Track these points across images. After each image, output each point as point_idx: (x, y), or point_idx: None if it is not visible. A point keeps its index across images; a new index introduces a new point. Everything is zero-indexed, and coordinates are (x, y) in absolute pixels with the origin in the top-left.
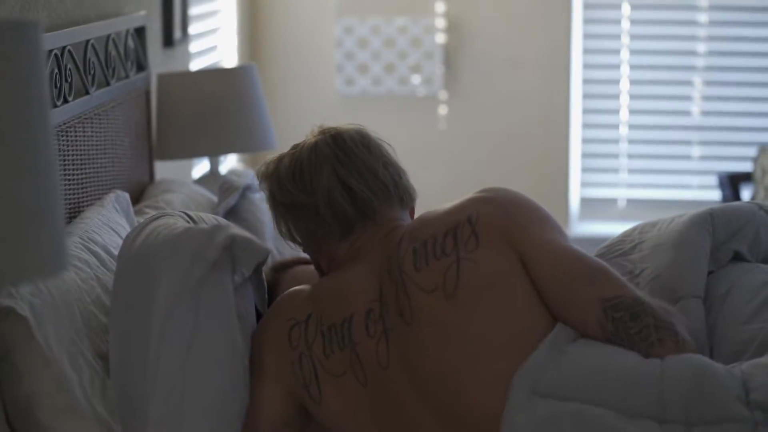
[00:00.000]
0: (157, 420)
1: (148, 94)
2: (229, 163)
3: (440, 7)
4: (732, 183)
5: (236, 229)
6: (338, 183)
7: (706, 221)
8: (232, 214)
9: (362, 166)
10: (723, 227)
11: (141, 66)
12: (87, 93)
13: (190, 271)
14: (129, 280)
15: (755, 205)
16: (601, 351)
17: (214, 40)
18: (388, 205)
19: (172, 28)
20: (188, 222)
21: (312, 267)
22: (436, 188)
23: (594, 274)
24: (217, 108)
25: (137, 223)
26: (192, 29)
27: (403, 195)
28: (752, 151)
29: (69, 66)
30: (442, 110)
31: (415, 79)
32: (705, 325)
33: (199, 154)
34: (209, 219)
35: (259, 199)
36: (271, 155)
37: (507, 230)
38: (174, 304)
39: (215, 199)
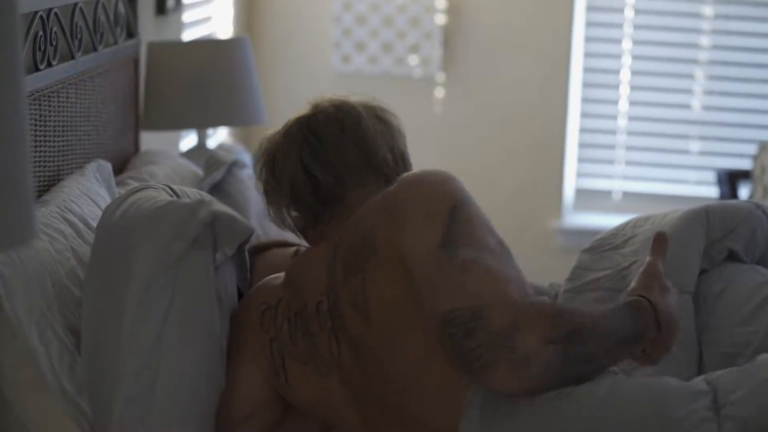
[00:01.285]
0: (127, 398)
1: (137, 62)
2: (218, 137)
3: None
4: (730, 180)
5: (219, 206)
6: (302, 171)
7: (701, 217)
8: (217, 189)
9: (331, 150)
10: (718, 224)
11: (131, 33)
12: (72, 58)
13: (170, 246)
14: (106, 253)
15: (753, 204)
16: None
17: (209, 11)
18: (360, 186)
19: None
20: (171, 196)
21: (289, 250)
22: None
23: (442, 283)
24: (208, 80)
25: (118, 194)
26: None
27: (380, 170)
28: (752, 149)
29: (55, 29)
30: (439, 93)
31: (413, 59)
32: (694, 322)
33: (186, 126)
34: (193, 193)
35: (246, 176)
36: (266, 131)
37: (398, 241)
38: (151, 281)
39: (201, 173)
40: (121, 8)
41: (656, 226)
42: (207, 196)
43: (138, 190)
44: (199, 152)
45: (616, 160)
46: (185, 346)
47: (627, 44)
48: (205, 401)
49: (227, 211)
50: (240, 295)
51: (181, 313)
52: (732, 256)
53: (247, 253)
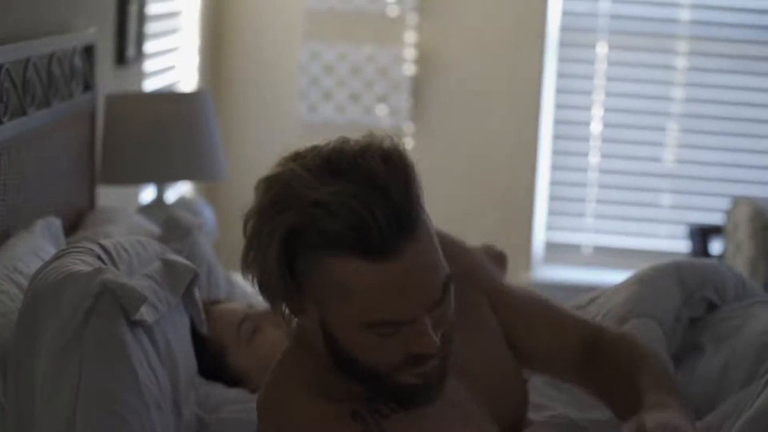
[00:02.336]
0: None
1: (93, 115)
2: (179, 191)
3: (411, 37)
4: (702, 235)
5: (112, 274)
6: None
7: (671, 268)
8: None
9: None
10: (691, 276)
11: (88, 85)
12: (24, 114)
13: (68, 322)
14: (22, 325)
15: (716, 261)
16: None
17: (172, 60)
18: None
19: (126, 45)
20: (100, 257)
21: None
22: None
23: None
24: (167, 133)
25: None
26: (149, 47)
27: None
28: (724, 203)
29: (6, 85)
30: (408, 143)
31: (381, 109)
32: (665, 348)
33: (145, 180)
34: (132, 247)
35: (203, 243)
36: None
37: None
38: (57, 357)
39: (157, 230)
40: (78, 61)
41: (622, 284)
42: (126, 256)
43: (59, 257)
44: (157, 207)
45: (586, 214)
46: (98, 424)
47: (599, 96)
48: None
49: (118, 280)
50: (195, 335)
51: (90, 389)
52: (711, 307)
53: (197, 294)
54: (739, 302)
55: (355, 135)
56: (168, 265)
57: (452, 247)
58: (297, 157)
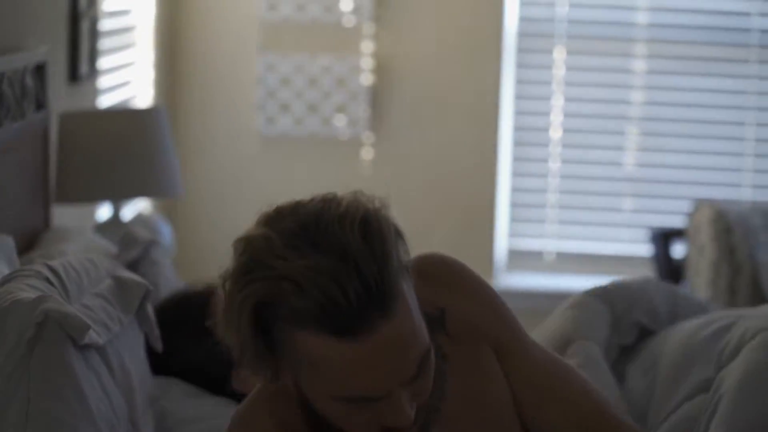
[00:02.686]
0: None
1: (47, 134)
2: (135, 209)
3: (368, 47)
4: (664, 238)
5: (54, 302)
6: None
7: (601, 292)
8: (131, 268)
9: None
10: (619, 298)
11: (40, 104)
12: None
13: (15, 350)
14: None
15: (647, 278)
16: None
17: (127, 75)
18: None
19: (78, 61)
20: (48, 279)
21: None
22: None
23: None
24: (122, 151)
25: None
26: (103, 63)
27: None
28: (686, 206)
29: None
30: (367, 154)
31: (340, 120)
32: (609, 366)
33: (100, 198)
34: (81, 266)
35: (160, 261)
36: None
37: None
38: (3, 387)
39: (114, 249)
40: (29, 80)
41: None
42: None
43: (7, 281)
44: (114, 226)
45: (548, 220)
46: None
47: (558, 101)
48: None
49: (59, 309)
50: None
51: (41, 415)
52: (643, 333)
53: (149, 310)
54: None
55: (314, 146)
56: (119, 282)
57: (466, 289)
58: (277, 216)
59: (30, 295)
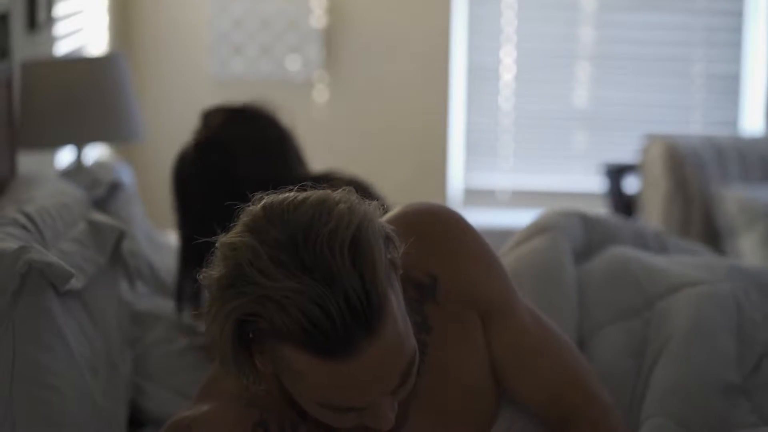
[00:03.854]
0: None
1: (10, 82)
2: (96, 155)
3: None
4: (616, 173)
5: (37, 252)
6: None
7: (575, 216)
8: (100, 209)
9: None
10: (594, 229)
11: (4, 53)
12: None
13: (0, 299)
14: None
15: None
16: None
17: (81, 21)
18: None
19: (36, 9)
20: (24, 226)
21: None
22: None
23: None
24: (83, 97)
25: None
26: (57, 10)
27: None
28: (638, 142)
29: None
30: (320, 95)
31: (293, 62)
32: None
33: (63, 143)
34: (56, 211)
35: (128, 196)
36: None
37: None
38: None
39: (80, 194)
40: None
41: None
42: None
43: None
44: (77, 171)
45: (502, 157)
46: (37, 392)
47: (510, 38)
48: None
49: (43, 259)
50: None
51: (25, 360)
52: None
53: (124, 251)
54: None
55: (267, 88)
56: (93, 226)
57: (461, 250)
58: (265, 221)
59: (11, 245)
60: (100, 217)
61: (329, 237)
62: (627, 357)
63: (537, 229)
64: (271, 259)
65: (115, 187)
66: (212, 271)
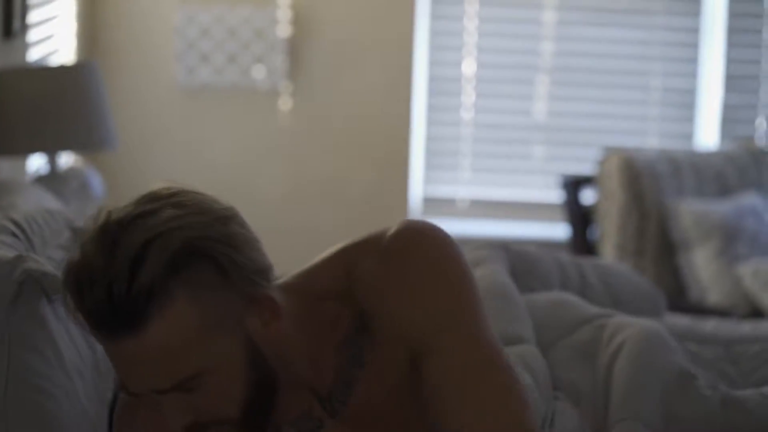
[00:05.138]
0: None
1: None
2: (67, 161)
3: None
4: (574, 185)
5: (33, 261)
6: None
7: (499, 248)
8: None
9: None
10: (519, 259)
11: None
12: None
13: None
14: None
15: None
16: None
17: (51, 29)
18: None
19: (12, 17)
20: (13, 233)
21: None
22: (279, 183)
23: None
24: (57, 105)
25: None
26: (30, 17)
27: None
28: (596, 154)
29: None
30: (285, 104)
31: (258, 71)
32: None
33: (37, 150)
34: (42, 218)
35: None
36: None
37: None
38: None
39: (58, 204)
40: None
41: None
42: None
43: None
44: (51, 178)
45: (461, 168)
46: (31, 401)
47: (470, 52)
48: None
49: (39, 269)
50: None
51: (21, 369)
52: None
53: None
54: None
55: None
56: (78, 233)
57: (407, 287)
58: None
59: (6, 253)
60: (81, 224)
61: (129, 235)
62: (579, 361)
63: (472, 265)
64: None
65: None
66: None
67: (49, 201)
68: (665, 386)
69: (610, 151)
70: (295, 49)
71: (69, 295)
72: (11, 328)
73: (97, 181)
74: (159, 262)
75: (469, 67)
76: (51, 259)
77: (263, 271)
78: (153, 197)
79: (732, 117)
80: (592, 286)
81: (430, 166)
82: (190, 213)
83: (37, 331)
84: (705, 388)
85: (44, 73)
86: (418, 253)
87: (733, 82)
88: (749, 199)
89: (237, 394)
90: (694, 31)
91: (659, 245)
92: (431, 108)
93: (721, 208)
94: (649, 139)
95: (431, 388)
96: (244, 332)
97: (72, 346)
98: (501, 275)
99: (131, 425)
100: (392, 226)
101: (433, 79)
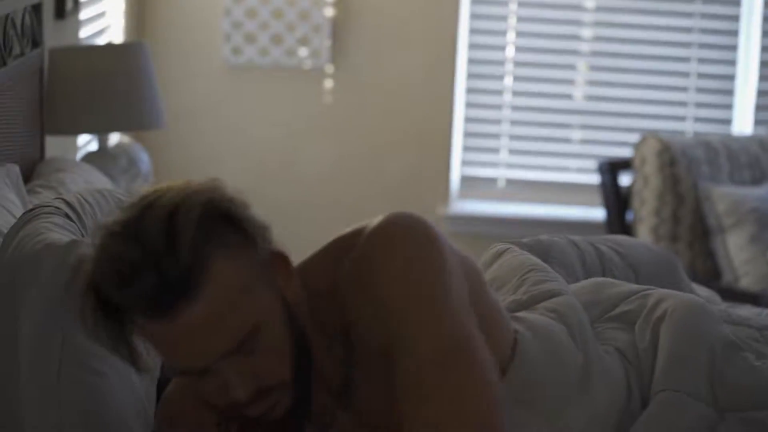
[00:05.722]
0: (34, 428)
1: (42, 70)
2: (115, 138)
3: None
4: (611, 169)
5: (86, 246)
6: None
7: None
8: None
9: None
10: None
11: (36, 42)
12: None
13: (51, 288)
14: None
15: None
16: None
17: (101, 7)
18: None
19: None
20: (67, 215)
21: None
22: (321, 161)
23: None
24: (107, 84)
25: (29, 202)
26: None
27: None
28: (633, 138)
29: None
30: (328, 84)
31: (303, 51)
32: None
33: (88, 130)
34: (94, 199)
35: None
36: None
37: None
38: (39, 321)
39: (107, 181)
40: (27, 19)
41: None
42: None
43: (28, 221)
44: (101, 155)
45: (500, 149)
46: (84, 377)
47: (511, 36)
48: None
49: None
50: None
51: (74, 347)
52: None
53: None
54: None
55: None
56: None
57: (377, 290)
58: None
59: (61, 237)
60: None
61: (153, 215)
62: (625, 331)
63: (495, 255)
64: (111, 232)
65: None
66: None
67: (98, 178)
68: (711, 355)
69: (646, 136)
70: (338, 30)
71: (112, 292)
72: (65, 311)
73: (145, 158)
74: (190, 227)
75: (509, 50)
76: None
77: (268, 229)
78: (141, 196)
79: None
80: (611, 259)
81: (468, 148)
82: (188, 188)
83: None
84: (754, 359)
85: (95, 52)
86: (385, 259)
87: None
88: None
89: (288, 350)
90: (733, 18)
91: (694, 229)
92: (470, 91)
93: (756, 193)
94: (687, 124)
95: (399, 389)
96: (275, 288)
97: None
98: (530, 257)
99: (173, 420)
100: (376, 218)
101: (473, 62)
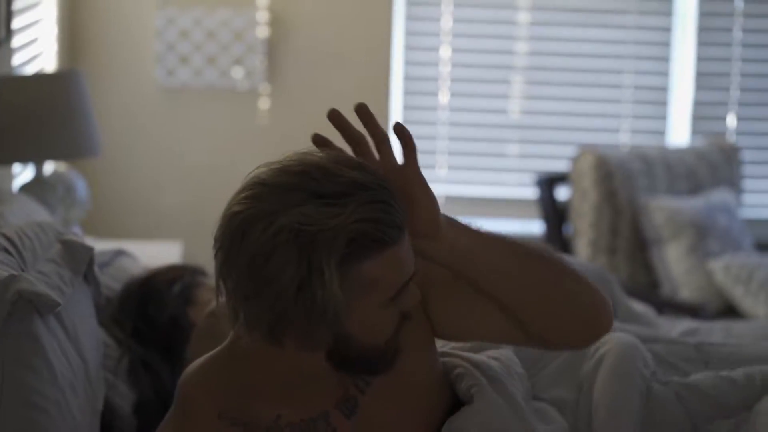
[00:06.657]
0: None
1: None
2: (51, 167)
3: (263, 1)
4: (549, 183)
5: (26, 282)
6: None
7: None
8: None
9: None
10: None
11: None
12: None
13: None
14: None
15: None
16: None
17: (33, 34)
18: None
19: None
20: (6, 249)
21: None
22: None
23: None
24: (42, 113)
25: None
26: (14, 23)
27: None
28: (570, 151)
29: None
30: (263, 104)
31: (237, 72)
32: None
33: (23, 159)
34: (33, 232)
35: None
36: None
37: None
38: None
39: (45, 212)
40: None
41: None
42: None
43: None
44: (38, 185)
45: (437, 165)
46: (24, 417)
47: (446, 52)
48: None
49: (32, 289)
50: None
51: (15, 385)
52: None
53: (97, 272)
54: None
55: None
56: (67, 246)
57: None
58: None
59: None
60: (70, 236)
61: (336, 166)
62: (564, 376)
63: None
64: (321, 204)
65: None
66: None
67: (36, 209)
68: (643, 398)
69: (583, 149)
70: (273, 50)
71: (377, 231)
72: (4, 346)
73: (82, 186)
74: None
75: (444, 66)
76: (42, 272)
77: None
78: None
79: (703, 114)
80: None
81: None
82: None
83: (29, 348)
84: (658, 388)
85: (30, 81)
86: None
87: (703, 79)
88: (720, 196)
89: None
90: (666, 30)
91: (632, 242)
92: (407, 107)
93: (693, 204)
94: (622, 136)
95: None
96: None
97: (64, 360)
98: None
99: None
100: None
101: (408, 79)
